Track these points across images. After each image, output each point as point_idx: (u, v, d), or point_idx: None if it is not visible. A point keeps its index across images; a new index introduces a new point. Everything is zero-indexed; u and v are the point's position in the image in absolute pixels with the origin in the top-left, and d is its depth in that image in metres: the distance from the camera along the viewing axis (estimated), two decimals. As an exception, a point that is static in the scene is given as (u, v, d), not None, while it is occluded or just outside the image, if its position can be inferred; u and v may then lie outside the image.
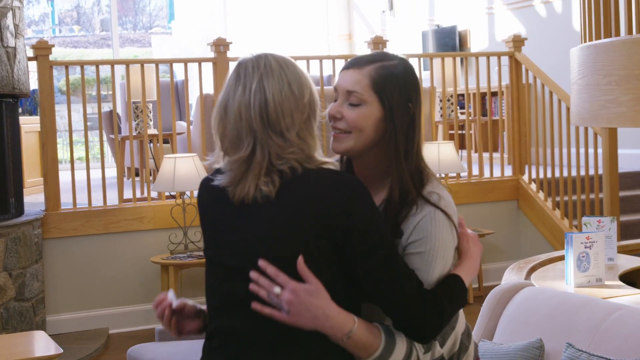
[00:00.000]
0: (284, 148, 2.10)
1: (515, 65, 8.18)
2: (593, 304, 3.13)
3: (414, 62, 6.57)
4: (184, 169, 6.57)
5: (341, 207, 2.06)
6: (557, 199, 7.88)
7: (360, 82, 2.25)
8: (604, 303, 3.15)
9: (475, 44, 11.57)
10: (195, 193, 7.47)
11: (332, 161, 2.22)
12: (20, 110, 9.69)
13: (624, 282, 4.19)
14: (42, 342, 4.34)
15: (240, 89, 2.11)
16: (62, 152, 11.71)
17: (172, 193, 7.07)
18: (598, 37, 4.18)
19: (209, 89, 7.75)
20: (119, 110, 10.09)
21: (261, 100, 2.09)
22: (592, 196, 7.79)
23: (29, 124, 8.92)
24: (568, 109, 7.29)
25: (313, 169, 2.13)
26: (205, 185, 2.27)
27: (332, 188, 2.08)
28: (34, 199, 8.09)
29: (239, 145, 2.11)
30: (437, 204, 2.22)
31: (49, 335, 6.56)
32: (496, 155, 9.55)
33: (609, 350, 2.89)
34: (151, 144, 8.28)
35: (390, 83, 2.26)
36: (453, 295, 2.19)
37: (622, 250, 4.88)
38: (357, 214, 2.08)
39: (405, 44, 12.46)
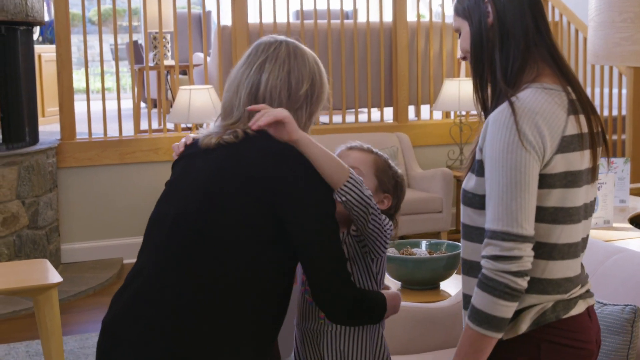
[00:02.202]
0: None
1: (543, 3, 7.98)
2: (593, 246, 3.06)
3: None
4: (199, 101, 6.51)
5: (272, 171, 2.09)
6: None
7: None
8: (604, 245, 3.09)
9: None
10: (211, 125, 7.47)
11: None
12: (40, 39, 9.67)
13: (634, 225, 4.11)
14: (43, 270, 4.33)
15: (245, 66, 2.21)
16: (92, 83, 11.68)
17: (188, 125, 7.02)
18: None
19: (227, 20, 7.65)
20: (143, 41, 10.02)
21: (254, 81, 2.17)
22: (614, 137, 7.65)
23: (50, 53, 8.86)
24: (592, 48, 7.13)
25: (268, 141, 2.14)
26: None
27: (284, 158, 2.10)
28: (54, 127, 8.08)
29: (228, 115, 2.21)
30: None
31: (63, 264, 6.63)
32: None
33: (606, 294, 2.83)
34: (169, 76, 8.22)
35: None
36: (376, 304, 2.23)
37: (636, 192, 4.79)
38: (291, 183, 2.10)
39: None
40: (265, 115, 2.10)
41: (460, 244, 4.21)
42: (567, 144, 2.01)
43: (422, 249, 4.19)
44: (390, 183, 2.40)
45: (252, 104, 2.16)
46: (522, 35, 2.08)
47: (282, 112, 2.09)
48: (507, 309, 1.96)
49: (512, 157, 1.95)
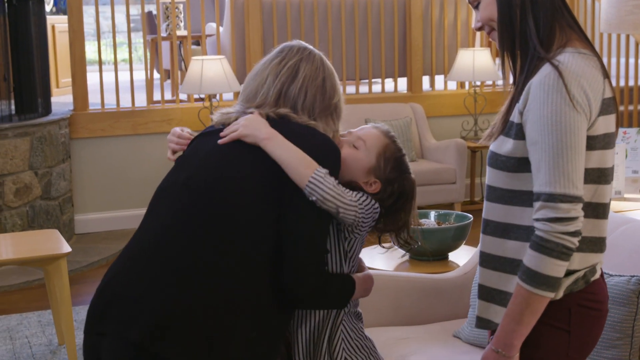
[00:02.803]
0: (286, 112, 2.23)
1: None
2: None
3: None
4: (212, 71, 6.49)
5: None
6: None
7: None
8: (612, 216, 3.05)
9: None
10: (225, 96, 7.46)
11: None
12: (54, 9, 9.67)
13: (646, 195, 4.08)
14: (53, 240, 4.35)
15: (278, 60, 2.26)
16: (107, 54, 11.68)
17: (201, 96, 7.01)
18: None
19: (240, -10, 7.61)
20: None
21: (289, 75, 2.23)
22: (630, 108, 7.58)
23: (63, 24, 8.85)
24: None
25: (301, 124, 2.21)
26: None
27: (303, 137, 2.16)
28: (68, 98, 8.08)
29: (251, 99, 2.26)
30: None
31: (77, 234, 6.66)
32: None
33: (612, 265, 2.81)
34: (182, 46, 8.20)
35: None
36: (343, 290, 2.24)
37: (650, 163, 4.74)
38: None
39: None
40: (230, 134, 2.19)
41: (468, 214, 4.22)
42: (606, 107, 2.06)
43: (431, 220, 4.17)
44: (388, 174, 2.31)
45: (283, 97, 2.23)
46: (548, 0, 2.10)
47: (241, 131, 2.17)
48: (562, 268, 2.01)
49: (565, 120, 1.98)
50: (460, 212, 4.24)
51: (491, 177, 2.16)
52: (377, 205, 2.26)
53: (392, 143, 2.35)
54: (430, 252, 4.02)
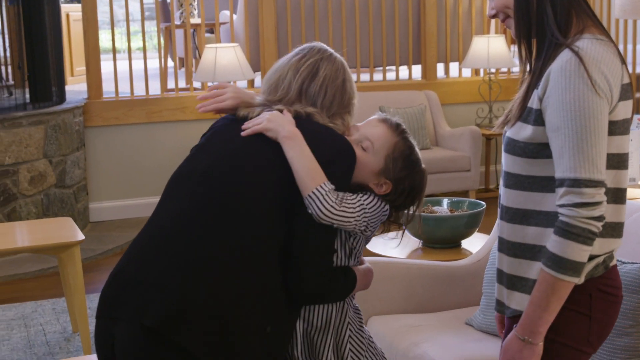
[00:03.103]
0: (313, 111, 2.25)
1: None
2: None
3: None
4: (225, 59, 6.48)
5: (323, 157, 2.15)
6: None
7: None
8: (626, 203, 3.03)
9: None
10: (238, 83, 7.45)
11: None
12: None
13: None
14: (67, 228, 4.36)
15: (298, 57, 2.30)
16: (122, 42, 11.69)
17: (215, 83, 7.00)
18: None
19: (254, -23, 7.60)
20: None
21: (309, 73, 2.26)
22: (646, 94, 7.54)
23: (77, 12, 8.86)
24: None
25: (320, 124, 2.23)
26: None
27: (324, 139, 2.18)
28: (83, 87, 8.10)
29: (272, 92, 2.29)
30: None
31: (91, 222, 6.68)
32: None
33: (625, 253, 2.79)
34: (195, 34, 8.19)
35: None
36: (346, 284, 2.24)
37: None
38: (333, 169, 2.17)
39: None
40: (253, 127, 2.20)
41: (481, 202, 4.21)
42: (624, 92, 2.06)
43: (444, 207, 4.16)
44: (398, 174, 2.28)
45: (304, 94, 2.26)
46: None
47: (265, 125, 2.18)
48: (587, 253, 2.01)
49: (587, 105, 1.98)
50: (473, 200, 4.23)
51: (509, 163, 2.16)
52: (386, 207, 2.26)
53: (401, 140, 2.31)
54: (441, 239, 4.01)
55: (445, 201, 4.23)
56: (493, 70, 7.58)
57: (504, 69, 7.97)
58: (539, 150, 2.07)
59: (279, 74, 2.30)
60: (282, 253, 2.11)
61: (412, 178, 2.30)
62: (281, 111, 2.22)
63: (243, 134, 2.19)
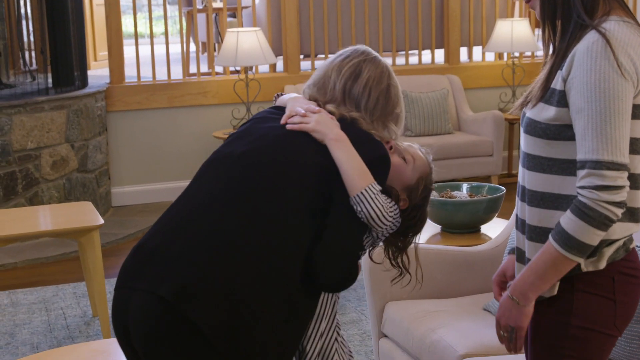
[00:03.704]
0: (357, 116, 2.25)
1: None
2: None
3: None
4: (247, 44, 6.47)
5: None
6: None
7: None
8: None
9: None
10: (260, 68, 7.44)
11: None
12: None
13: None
14: (86, 212, 4.37)
15: (342, 57, 2.30)
16: (143, 27, 11.70)
17: (237, 68, 6.99)
18: None
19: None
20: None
21: (352, 73, 2.27)
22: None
23: (101, -3, 8.89)
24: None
25: (362, 130, 2.23)
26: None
27: (364, 143, 2.18)
28: (106, 72, 8.12)
29: (319, 87, 2.32)
30: None
31: (113, 207, 6.71)
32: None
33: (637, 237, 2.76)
34: (217, 18, 8.18)
35: None
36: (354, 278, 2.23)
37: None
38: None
39: None
40: (300, 124, 2.20)
41: (500, 187, 4.17)
42: None
43: (463, 192, 4.13)
44: (418, 200, 2.35)
45: (347, 95, 2.26)
46: None
47: (312, 126, 2.19)
48: (599, 238, 2.00)
49: (612, 86, 1.96)
50: (493, 185, 4.19)
51: (528, 144, 2.14)
52: (399, 222, 2.27)
53: (431, 174, 2.39)
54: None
55: (465, 186, 4.19)
56: (517, 54, 7.52)
57: (528, 53, 7.90)
58: (561, 131, 2.05)
59: (324, 74, 2.31)
60: (307, 247, 2.11)
61: (424, 211, 2.38)
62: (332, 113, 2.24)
63: (288, 127, 2.20)
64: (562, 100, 2.03)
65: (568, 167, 2.05)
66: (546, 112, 2.07)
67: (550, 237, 2.03)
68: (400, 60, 7.88)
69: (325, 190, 2.14)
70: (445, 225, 4.02)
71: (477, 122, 7.09)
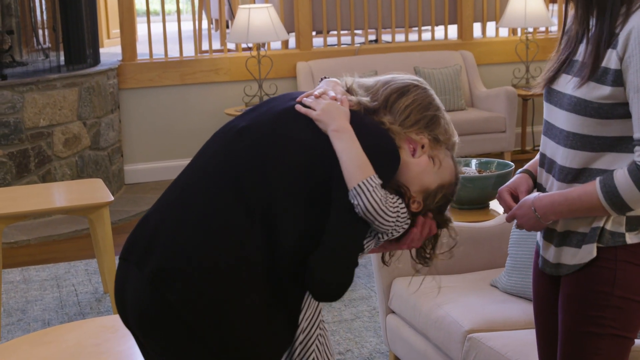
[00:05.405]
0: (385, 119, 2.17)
1: None
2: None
3: None
4: (259, 20, 6.45)
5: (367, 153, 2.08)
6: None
7: None
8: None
9: None
10: (273, 45, 7.43)
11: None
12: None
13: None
14: (96, 189, 4.38)
15: (393, 75, 2.23)
16: (154, 4, 11.66)
17: (249, 45, 6.98)
18: None
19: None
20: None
21: (399, 89, 2.17)
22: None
23: (114, -26, 8.89)
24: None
25: (375, 124, 2.15)
26: None
27: (371, 136, 2.10)
28: (118, 49, 8.12)
29: (368, 90, 2.22)
30: None
31: (126, 184, 6.73)
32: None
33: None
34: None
35: None
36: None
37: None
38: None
39: None
40: (308, 110, 2.12)
41: (509, 162, 4.16)
42: None
43: (472, 168, 4.11)
44: (433, 207, 2.18)
45: (390, 107, 2.17)
46: None
47: (317, 115, 2.11)
48: None
49: None
50: (502, 160, 4.17)
51: (575, 124, 2.12)
52: (407, 224, 2.16)
53: (455, 185, 2.23)
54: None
55: (474, 162, 4.17)
56: (530, 29, 7.47)
57: (542, 28, 7.84)
58: (613, 109, 2.05)
59: (374, 84, 2.23)
60: (299, 239, 2.04)
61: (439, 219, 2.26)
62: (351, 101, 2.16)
63: (297, 107, 2.13)
64: (618, 79, 2.03)
65: (618, 144, 2.07)
66: (599, 91, 2.06)
67: (597, 184, 2.07)
68: (413, 37, 7.84)
69: (320, 175, 2.05)
70: (454, 201, 4.01)
71: (490, 98, 7.06)
